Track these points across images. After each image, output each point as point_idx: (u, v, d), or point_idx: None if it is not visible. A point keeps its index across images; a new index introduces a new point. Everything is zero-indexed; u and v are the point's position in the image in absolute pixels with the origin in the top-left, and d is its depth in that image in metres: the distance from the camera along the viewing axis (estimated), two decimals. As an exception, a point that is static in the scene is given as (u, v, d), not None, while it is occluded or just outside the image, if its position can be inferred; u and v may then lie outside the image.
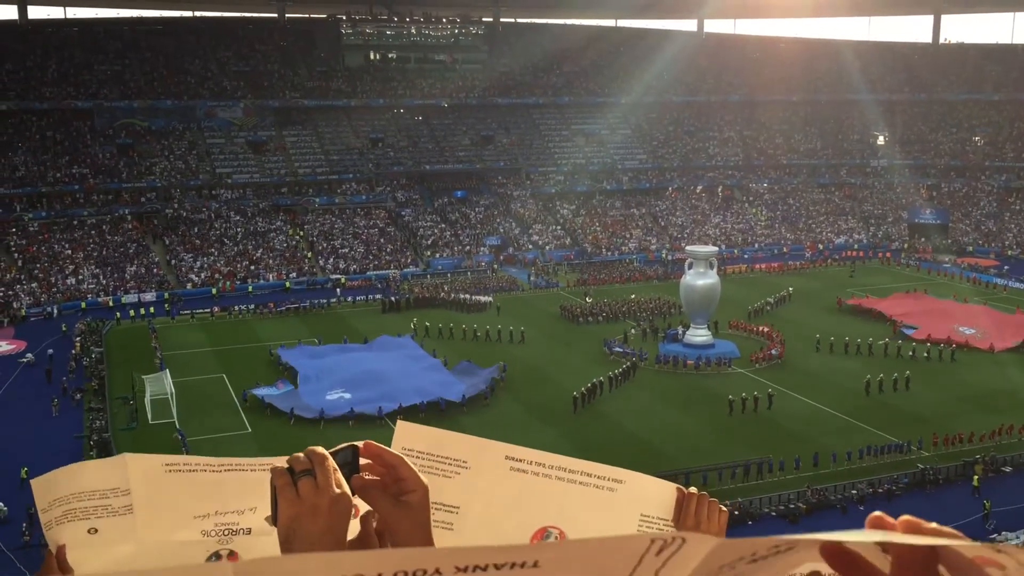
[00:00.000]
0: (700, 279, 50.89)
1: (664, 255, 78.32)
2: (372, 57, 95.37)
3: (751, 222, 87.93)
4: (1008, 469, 35.85)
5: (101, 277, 65.64)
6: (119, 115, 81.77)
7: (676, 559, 1.10)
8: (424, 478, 1.86)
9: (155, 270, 67.91)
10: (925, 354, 49.05)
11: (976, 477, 34.35)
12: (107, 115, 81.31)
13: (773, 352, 49.35)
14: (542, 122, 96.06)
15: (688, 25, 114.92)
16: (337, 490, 1.69)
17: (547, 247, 79.81)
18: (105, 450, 35.90)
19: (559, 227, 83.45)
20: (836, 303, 60.97)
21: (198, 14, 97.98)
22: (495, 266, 75.10)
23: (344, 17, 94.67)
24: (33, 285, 63.15)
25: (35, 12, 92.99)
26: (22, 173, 73.99)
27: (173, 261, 69.63)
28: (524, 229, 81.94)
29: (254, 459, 2.24)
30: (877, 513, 1.13)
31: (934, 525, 1.07)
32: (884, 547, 1.09)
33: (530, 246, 79.49)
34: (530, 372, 46.92)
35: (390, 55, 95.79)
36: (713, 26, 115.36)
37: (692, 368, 47.92)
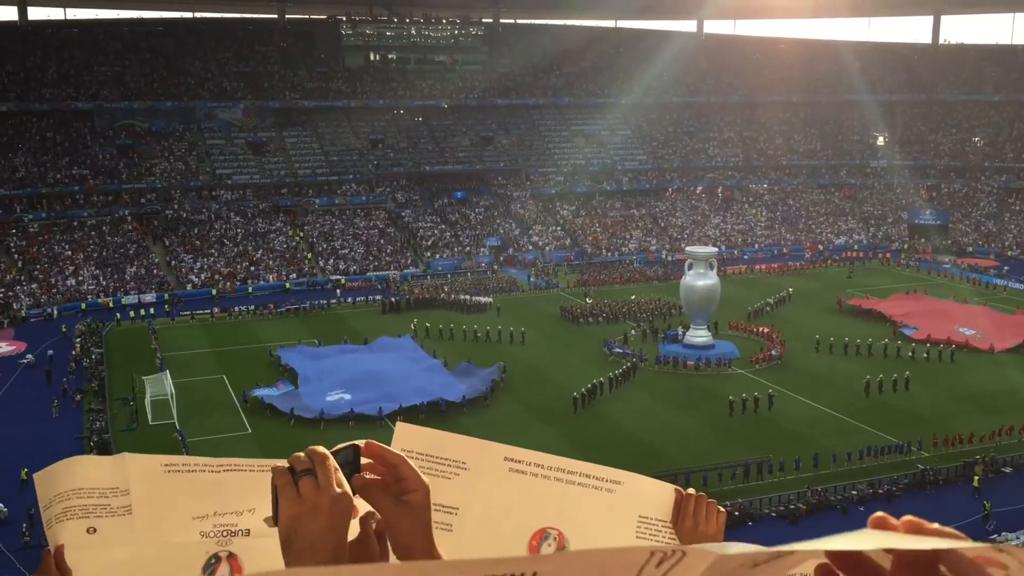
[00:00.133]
0: (700, 280, 50.89)
1: (664, 256, 78.32)
2: (372, 58, 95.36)
3: (751, 223, 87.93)
4: (1008, 470, 35.85)
5: (101, 278, 65.63)
6: (119, 116, 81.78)
7: (676, 571, 1.08)
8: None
9: (155, 271, 67.91)
10: (925, 355, 49.04)
11: (976, 478, 34.35)
12: (107, 116, 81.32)
13: (773, 353, 49.35)
14: (542, 123, 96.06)
15: (688, 26, 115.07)
16: (338, 490, 1.69)
17: (547, 248, 79.81)
18: (105, 451, 35.87)
19: (559, 228, 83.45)
20: (836, 304, 60.98)
21: (198, 15, 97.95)
22: (495, 267, 75.10)
23: (344, 18, 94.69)
24: (33, 286, 63.15)
25: (35, 13, 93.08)
26: (22, 174, 73.99)
27: (173, 262, 69.63)
28: (524, 230, 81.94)
29: (253, 460, 2.25)
30: (879, 513, 1.12)
31: (936, 526, 1.07)
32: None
33: (530, 247, 79.49)
34: (530, 373, 46.92)
35: (390, 56, 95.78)
36: (713, 27, 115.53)
37: (692, 369, 47.93)
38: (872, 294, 63.64)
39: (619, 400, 43.32)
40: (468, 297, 62.28)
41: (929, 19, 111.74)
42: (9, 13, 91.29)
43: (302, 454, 1.74)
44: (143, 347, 51.62)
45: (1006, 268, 73.35)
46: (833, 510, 32.86)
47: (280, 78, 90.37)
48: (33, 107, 79.13)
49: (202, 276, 68.08)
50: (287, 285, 68.09)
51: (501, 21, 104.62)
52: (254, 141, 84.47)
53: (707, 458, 36.13)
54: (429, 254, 76.17)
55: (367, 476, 1.83)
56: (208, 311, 60.27)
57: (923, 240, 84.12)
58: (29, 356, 49.83)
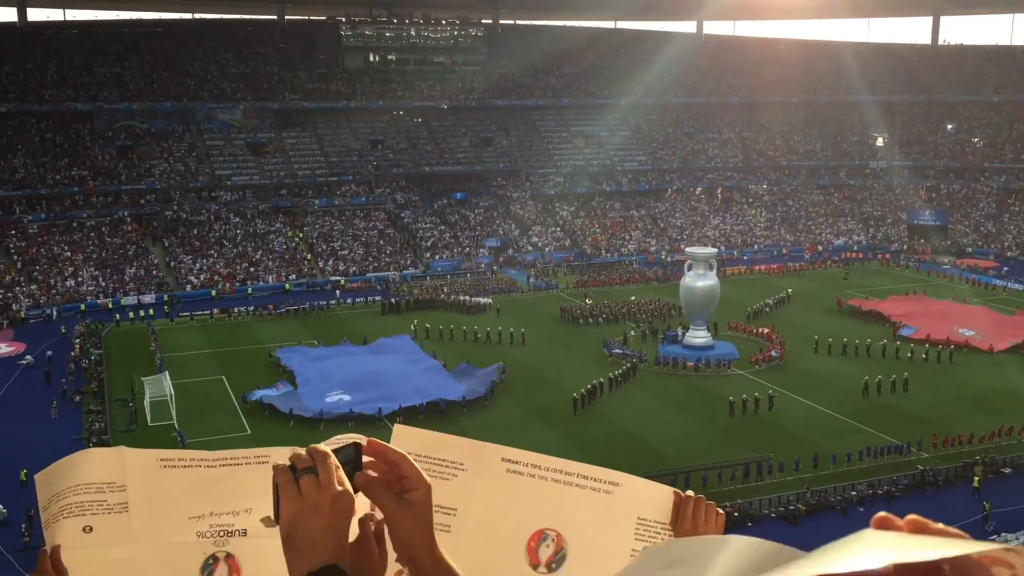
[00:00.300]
0: (699, 280, 50.90)
1: (663, 257, 78.32)
2: (371, 59, 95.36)
3: (750, 223, 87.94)
4: (1008, 470, 35.86)
5: (100, 279, 65.61)
6: (119, 117, 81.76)
7: None
8: None
9: (154, 272, 67.89)
10: (924, 355, 49.04)
11: (976, 478, 34.35)
12: (107, 117, 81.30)
13: (773, 353, 49.35)
14: (541, 124, 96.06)
15: (687, 27, 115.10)
16: (339, 488, 1.70)
17: (547, 249, 79.81)
18: (104, 452, 35.85)
19: (558, 229, 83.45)
20: (836, 304, 60.98)
21: (197, 16, 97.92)
22: (495, 268, 75.11)
23: (343, 19, 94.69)
24: (32, 287, 63.13)
25: (34, 14, 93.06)
26: (21, 175, 73.96)
27: (172, 263, 69.61)
28: (523, 231, 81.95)
29: (249, 451, 2.24)
30: (882, 513, 1.11)
31: (940, 525, 1.06)
32: None
33: (529, 248, 79.49)
34: (530, 374, 46.92)
35: (389, 57, 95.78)
36: (712, 28, 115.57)
37: (692, 369, 47.93)
38: (871, 295, 63.66)
39: (619, 401, 43.32)
40: (468, 298, 62.27)
41: (929, 20, 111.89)
42: (8, 14, 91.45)
43: (303, 452, 1.74)
44: (142, 348, 51.60)
45: (1005, 269, 73.35)
46: (833, 511, 32.84)
47: (280, 79, 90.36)
48: (32, 108, 79.12)
49: (201, 277, 68.06)
50: (287, 286, 68.08)
51: (500, 22, 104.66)
52: (253, 142, 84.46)
53: (707, 459, 36.13)
54: (429, 255, 76.17)
55: (369, 474, 1.83)
56: (207, 312, 60.25)
57: (922, 241, 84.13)
58: (28, 357, 49.81)
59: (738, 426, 40.19)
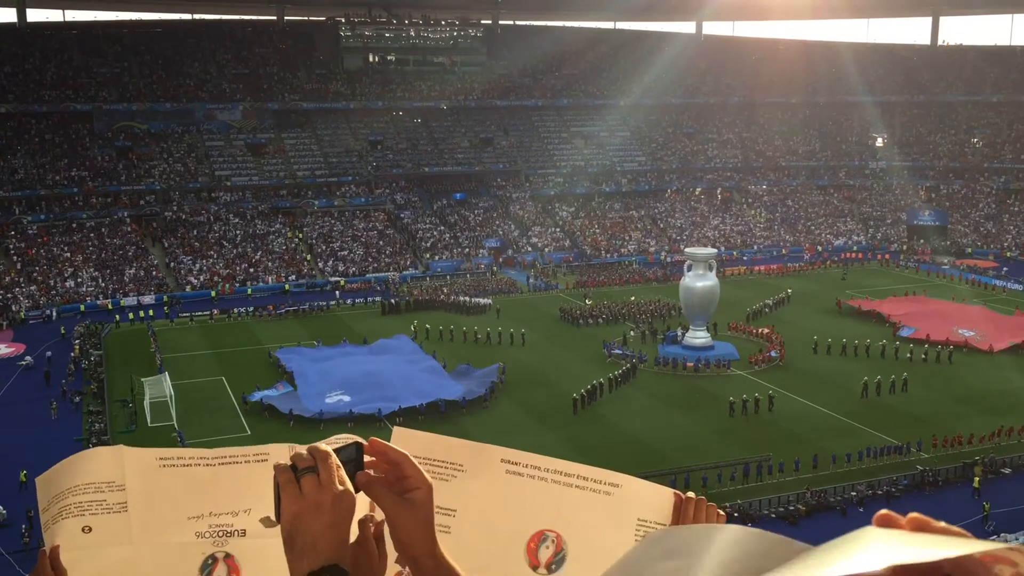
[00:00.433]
0: (699, 281, 50.90)
1: (663, 257, 78.33)
2: (371, 59, 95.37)
3: (750, 224, 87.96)
4: (1007, 471, 35.86)
5: (100, 280, 65.60)
6: (118, 118, 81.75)
7: None
8: None
9: (154, 273, 67.89)
10: (923, 356, 49.05)
11: (977, 479, 34.35)
12: (106, 118, 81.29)
13: (772, 354, 49.36)
14: (541, 124, 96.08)
15: (687, 27, 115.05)
16: (340, 487, 1.69)
17: (546, 249, 79.82)
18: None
19: (558, 229, 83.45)
20: (835, 305, 60.99)
21: (197, 17, 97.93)
22: (494, 268, 75.11)
23: (343, 20, 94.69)
24: (32, 288, 63.12)
25: (34, 15, 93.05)
26: (21, 176, 73.96)
27: (172, 264, 69.61)
28: (523, 231, 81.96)
29: (249, 448, 2.24)
30: (884, 511, 1.10)
31: (943, 524, 1.05)
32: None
33: (529, 248, 79.50)
34: (530, 374, 46.92)
35: (389, 57, 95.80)
36: (712, 28, 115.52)
37: (691, 370, 47.93)
38: (870, 295, 63.69)
39: (619, 401, 43.33)
40: (467, 298, 62.28)
41: (928, 20, 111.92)
42: (8, 15, 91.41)
43: (304, 451, 1.74)
44: (142, 349, 51.59)
45: (1005, 269, 73.37)
46: (833, 511, 32.86)
47: (279, 80, 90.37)
48: (32, 109, 79.13)
49: (201, 278, 68.06)
50: (286, 287, 68.08)
51: (500, 22, 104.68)
52: (253, 143, 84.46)
53: (707, 459, 36.14)
54: (428, 255, 76.17)
55: (370, 473, 1.83)
56: (207, 313, 60.25)
57: (922, 241, 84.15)
58: (28, 358, 49.80)
59: (738, 426, 40.20)
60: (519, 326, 54.79)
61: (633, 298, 62.56)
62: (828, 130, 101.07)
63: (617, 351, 50.10)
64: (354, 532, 1.82)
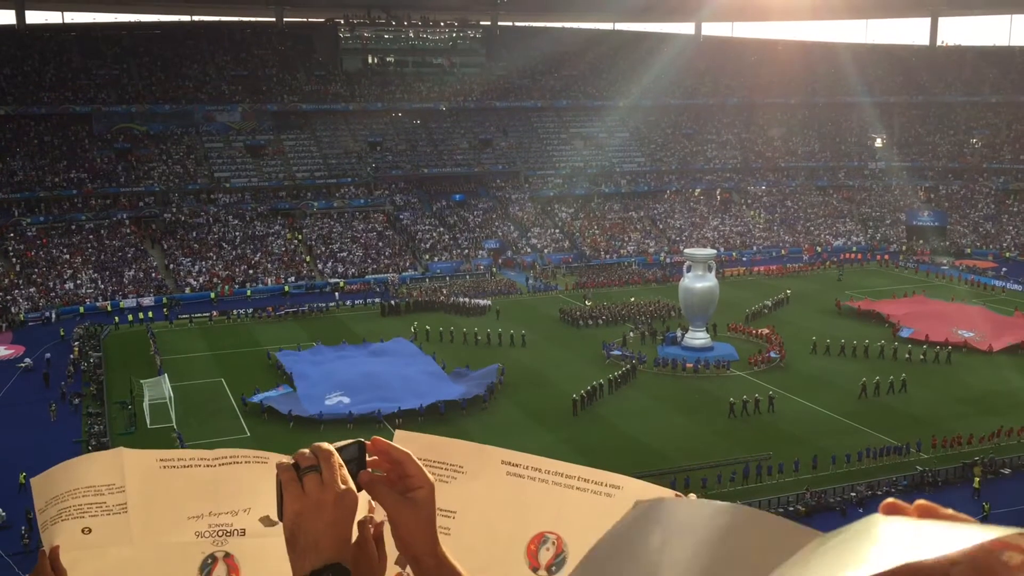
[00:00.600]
0: (698, 282, 50.90)
1: (662, 258, 78.34)
2: (370, 61, 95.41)
3: (749, 225, 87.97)
4: (1007, 471, 35.87)
5: (99, 282, 65.59)
6: (117, 120, 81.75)
7: None
8: None
9: (153, 274, 67.87)
10: (922, 356, 49.05)
11: (976, 479, 34.36)
12: (105, 120, 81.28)
13: (772, 355, 49.36)
14: (540, 125, 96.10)
15: (686, 28, 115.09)
16: (342, 486, 1.70)
17: (546, 250, 79.82)
18: (104, 455, 35.82)
19: (557, 230, 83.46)
20: (835, 305, 60.99)
21: (196, 19, 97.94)
22: (493, 269, 75.11)
23: (342, 21, 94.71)
24: (31, 290, 63.09)
25: (33, 17, 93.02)
26: (20, 178, 73.94)
27: (171, 265, 69.59)
28: (522, 232, 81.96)
29: (250, 451, 2.24)
30: (891, 499, 1.10)
31: (950, 511, 1.06)
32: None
33: (528, 249, 79.50)
34: (530, 375, 46.91)
35: (388, 59, 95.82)
36: (711, 29, 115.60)
37: (691, 371, 47.93)
38: (869, 296, 63.71)
39: (618, 402, 43.33)
40: (467, 300, 62.27)
41: (927, 21, 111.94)
42: (7, 17, 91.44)
43: (307, 450, 1.74)
44: (141, 351, 51.57)
45: (1004, 269, 73.39)
46: (832, 512, 32.87)
47: (278, 81, 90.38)
48: (31, 111, 79.11)
49: (200, 279, 68.04)
50: (286, 288, 68.07)
51: (499, 24, 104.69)
52: (252, 144, 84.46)
53: (706, 460, 36.15)
54: (427, 257, 76.16)
55: (372, 472, 1.83)
56: (207, 314, 60.23)
57: (921, 242, 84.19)
58: (27, 360, 49.76)
59: (738, 427, 40.20)
60: (519, 327, 54.79)
61: (633, 299, 62.57)
62: (827, 131, 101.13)
63: (616, 352, 50.09)
64: (353, 534, 1.82)
